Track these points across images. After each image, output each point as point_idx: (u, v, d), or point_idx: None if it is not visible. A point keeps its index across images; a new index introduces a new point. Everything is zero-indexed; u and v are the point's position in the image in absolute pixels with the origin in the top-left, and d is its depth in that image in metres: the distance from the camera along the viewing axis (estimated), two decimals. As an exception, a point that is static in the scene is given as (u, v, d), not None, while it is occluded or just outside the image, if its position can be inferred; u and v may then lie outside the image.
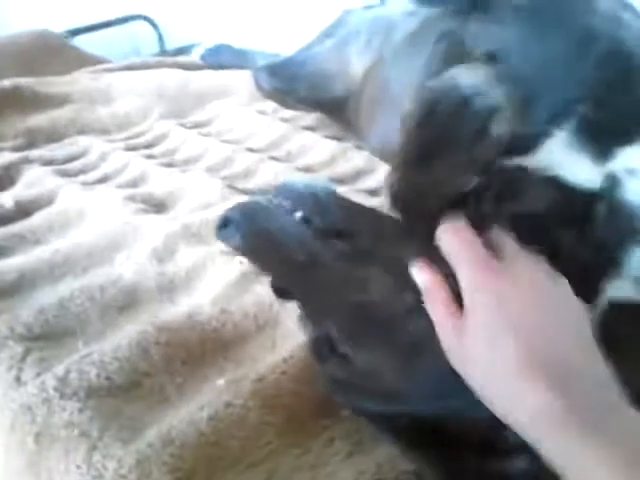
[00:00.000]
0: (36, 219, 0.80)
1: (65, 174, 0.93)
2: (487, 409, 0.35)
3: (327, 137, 1.00)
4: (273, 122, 1.07)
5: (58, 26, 1.76)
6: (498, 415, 0.34)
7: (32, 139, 1.08)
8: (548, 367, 0.33)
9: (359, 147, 0.94)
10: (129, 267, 0.67)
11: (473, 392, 0.35)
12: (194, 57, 1.47)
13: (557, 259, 0.38)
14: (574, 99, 0.45)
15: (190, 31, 1.91)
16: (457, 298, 0.37)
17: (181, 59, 1.53)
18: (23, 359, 0.54)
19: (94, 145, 1.04)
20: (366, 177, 0.87)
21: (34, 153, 1.01)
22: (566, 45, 0.48)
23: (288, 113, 1.10)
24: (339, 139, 0.99)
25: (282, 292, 0.50)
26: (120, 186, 0.87)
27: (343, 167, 0.90)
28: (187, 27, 1.94)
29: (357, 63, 0.90)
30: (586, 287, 0.40)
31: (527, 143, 0.46)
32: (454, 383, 0.36)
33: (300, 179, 0.51)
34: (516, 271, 0.36)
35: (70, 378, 0.51)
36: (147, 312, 0.61)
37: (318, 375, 0.46)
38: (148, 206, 0.80)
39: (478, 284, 0.36)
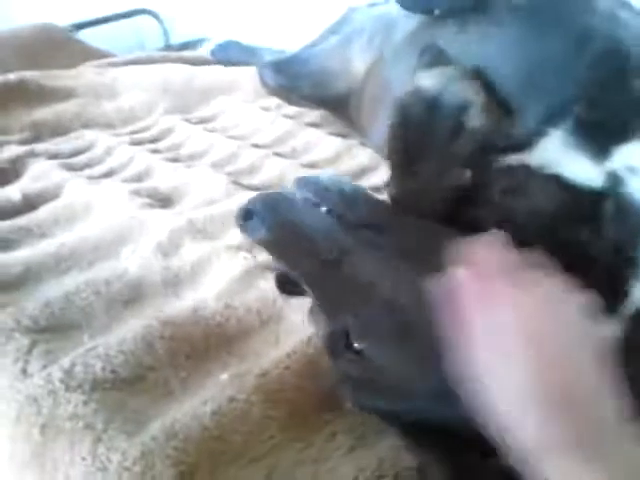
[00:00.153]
0: (42, 212, 0.80)
1: (71, 168, 0.93)
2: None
3: (332, 134, 1.00)
4: (277, 118, 1.08)
5: (62, 20, 1.76)
6: (494, 433, 0.34)
7: (38, 132, 1.08)
8: (550, 394, 0.32)
9: (363, 144, 0.94)
10: (134, 261, 0.67)
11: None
12: (203, 52, 1.47)
13: (571, 258, 0.38)
14: (570, 99, 0.46)
15: (195, 26, 1.91)
16: None
17: (186, 54, 1.53)
18: (29, 351, 0.54)
19: (99, 139, 1.05)
20: (371, 174, 0.87)
21: (40, 147, 1.01)
22: (563, 45, 0.49)
23: (292, 110, 1.11)
24: (344, 136, 0.99)
25: (286, 287, 0.50)
26: (125, 180, 0.88)
27: (348, 164, 0.91)
28: (192, 22, 1.94)
29: (359, 61, 0.90)
30: (609, 289, 0.39)
31: (522, 141, 0.46)
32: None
33: (322, 174, 0.50)
34: (526, 295, 0.36)
35: (75, 371, 0.51)
36: (152, 306, 0.61)
37: (326, 371, 0.46)
38: (153, 201, 0.80)
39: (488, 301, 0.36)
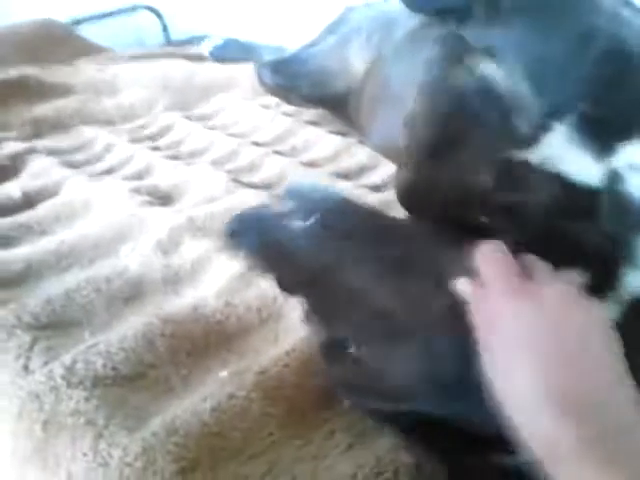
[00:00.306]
0: (42, 210, 0.80)
1: (71, 165, 0.94)
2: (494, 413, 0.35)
3: (331, 132, 1.00)
4: (277, 116, 1.08)
5: (62, 15, 1.76)
6: (516, 434, 0.34)
7: (38, 128, 1.09)
8: (565, 396, 0.32)
9: (363, 143, 0.94)
10: (135, 259, 0.68)
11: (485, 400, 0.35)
12: (203, 51, 1.47)
13: (565, 250, 0.38)
14: (574, 96, 0.46)
15: (195, 22, 1.91)
16: None
17: (187, 50, 1.53)
18: (31, 348, 0.55)
19: (99, 136, 1.05)
20: (370, 173, 0.88)
21: (40, 143, 1.02)
22: (567, 43, 0.49)
23: (291, 108, 1.11)
24: (343, 134, 0.99)
25: (286, 287, 0.50)
26: (125, 178, 0.88)
27: (347, 162, 0.91)
28: (192, 18, 1.94)
29: (358, 60, 0.90)
30: (600, 277, 0.40)
31: (527, 137, 0.46)
32: (469, 389, 0.36)
33: (304, 182, 0.50)
34: (543, 297, 0.36)
35: (77, 367, 0.52)
36: (152, 304, 0.62)
37: (322, 370, 0.46)
38: (153, 198, 0.80)
39: (502, 305, 0.37)
